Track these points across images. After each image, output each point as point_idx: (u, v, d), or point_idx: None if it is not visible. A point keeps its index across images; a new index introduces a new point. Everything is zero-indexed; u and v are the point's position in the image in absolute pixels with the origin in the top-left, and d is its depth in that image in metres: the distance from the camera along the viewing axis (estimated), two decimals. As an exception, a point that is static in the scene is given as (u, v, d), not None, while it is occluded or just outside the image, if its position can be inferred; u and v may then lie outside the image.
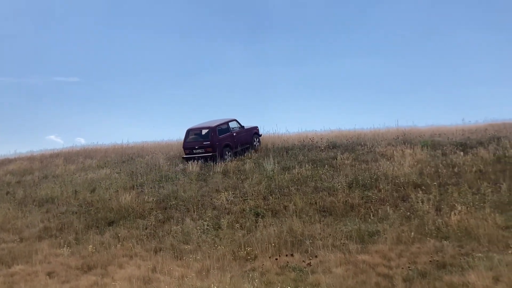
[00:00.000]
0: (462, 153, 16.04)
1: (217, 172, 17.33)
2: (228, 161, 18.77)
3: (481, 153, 15.74)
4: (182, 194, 15.10)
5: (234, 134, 20.21)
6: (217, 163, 18.14)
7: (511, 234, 9.94)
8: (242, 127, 21.01)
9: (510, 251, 8.62)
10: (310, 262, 9.50)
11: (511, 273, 7.60)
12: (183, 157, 19.75)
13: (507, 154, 15.19)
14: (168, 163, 19.49)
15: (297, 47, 63.87)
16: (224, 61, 65.07)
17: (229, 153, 19.52)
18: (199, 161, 18.57)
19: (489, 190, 12.55)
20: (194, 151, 19.21)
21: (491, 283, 7.51)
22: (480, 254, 8.94)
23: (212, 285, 8.33)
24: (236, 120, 20.85)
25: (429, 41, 58.25)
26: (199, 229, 12.12)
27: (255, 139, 21.28)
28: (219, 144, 19.16)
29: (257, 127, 21.93)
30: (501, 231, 10.11)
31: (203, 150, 19.02)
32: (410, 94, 55.45)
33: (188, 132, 19.98)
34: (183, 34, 65.31)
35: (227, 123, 20.27)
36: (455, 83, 56.74)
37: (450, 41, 57.31)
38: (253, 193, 14.61)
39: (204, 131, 19.62)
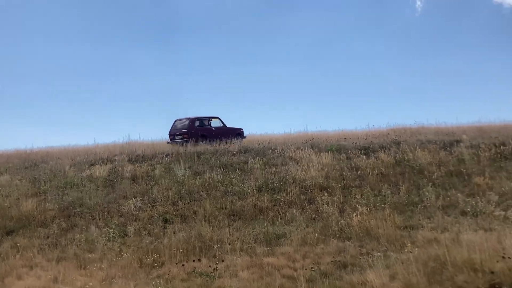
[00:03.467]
0: (365, 156, 16.76)
1: (126, 177, 16.85)
2: (202, 145, 21.31)
3: (383, 156, 16.51)
4: (88, 201, 14.47)
5: (213, 128, 23.42)
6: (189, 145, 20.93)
7: (407, 233, 10.48)
8: (224, 125, 24.02)
9: (406, 250, 9.03)
10: (217, 267, 9.43)
11: (406, 270, 7.94)
12: (167, 142, 23.17)
13: (406, 158, 16.04)
14: (74, 169, 18.65)
15: (209, 55, 64.48)
16: (133, 68, 64.17)
17: (204, 142, 22.05)
18: (183, 144, 21.34)
19: (389, 192, 13.26)
20: (176, 137, 22.64)
21: (388, 281, 7.81)
22: (379, 253, 9.31)
23: (115, 294, 8.06)
24: (219, 119, 23.94)
25: (337, 49, 60.94)
26: (105, 237, 11.66)
27: (236, 138, 23.55)
28: (195, 132, 22.36)
29: (241, 129, 25.07)
30: (399, 231, 10.65)
31: (181, 137, 22.35)
32: (319, 100, 57.66)
33: (175, 121, 23.46)
34: (91, 39, 63.62)
35: (209, 118, 23.60)
36: (362, 89, 59.83)
37: (357, 49, 60.37)
38: (162, 199, 14.36)
39: (185, 121, 22.97)
